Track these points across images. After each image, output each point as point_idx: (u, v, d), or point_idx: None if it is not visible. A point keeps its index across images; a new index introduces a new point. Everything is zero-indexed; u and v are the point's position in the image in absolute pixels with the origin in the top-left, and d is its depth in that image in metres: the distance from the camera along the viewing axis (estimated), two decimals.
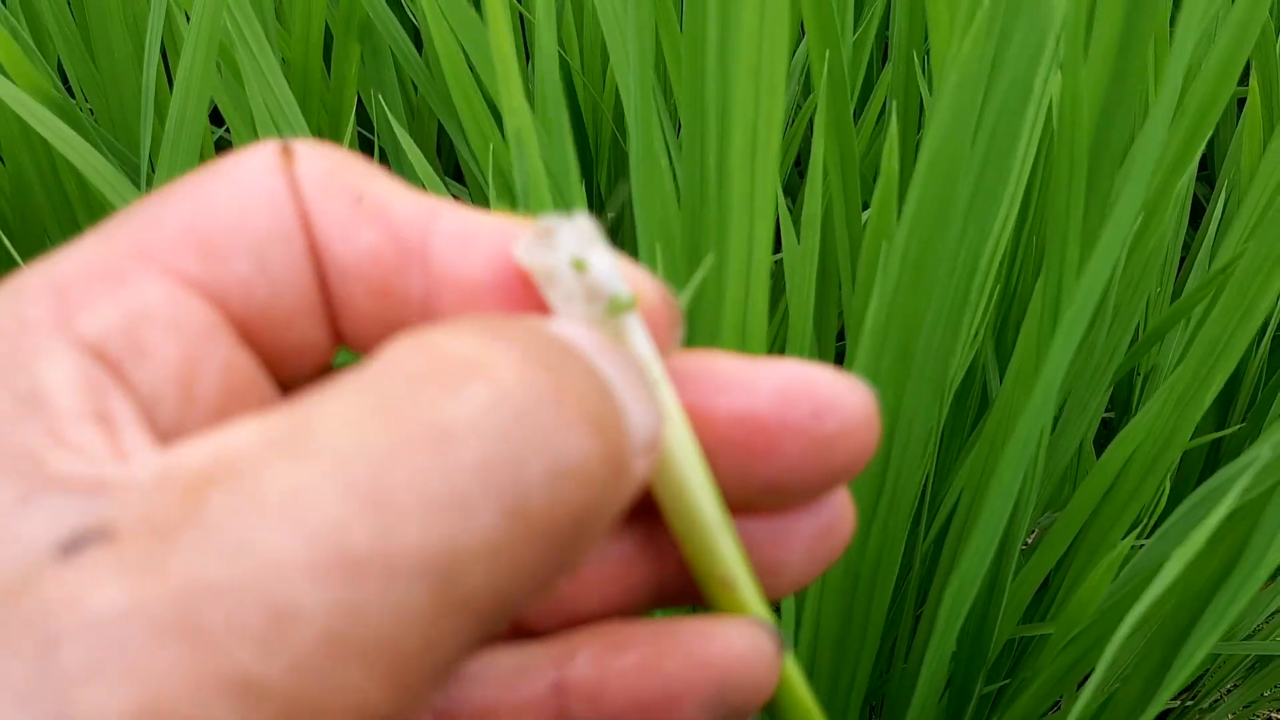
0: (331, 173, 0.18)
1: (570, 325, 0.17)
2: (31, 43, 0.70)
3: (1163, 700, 0.49)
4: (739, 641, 0.19)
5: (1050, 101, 0.55)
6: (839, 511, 0.20)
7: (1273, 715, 0.93)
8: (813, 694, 0.20)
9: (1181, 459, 0.80)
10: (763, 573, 0.20)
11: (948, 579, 0.52)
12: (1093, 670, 0.59)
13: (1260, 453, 0.49)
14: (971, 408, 0.68)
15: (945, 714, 0.63)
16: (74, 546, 0.13)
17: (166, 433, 0.16)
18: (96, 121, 0.76)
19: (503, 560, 0.14)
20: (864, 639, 0.54)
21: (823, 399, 0.18)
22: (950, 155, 0.45)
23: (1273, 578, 0.71)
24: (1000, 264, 0.63)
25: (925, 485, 0.61)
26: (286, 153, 0.18)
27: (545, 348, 0.15)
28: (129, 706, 0.12)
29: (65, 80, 0.92)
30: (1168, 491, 0.67)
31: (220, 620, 0.12)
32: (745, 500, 0.19)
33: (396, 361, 0.15)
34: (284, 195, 0.17)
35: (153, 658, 0.12)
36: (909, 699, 0.59)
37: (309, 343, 0.18)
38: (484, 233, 0.18)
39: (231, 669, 0.12)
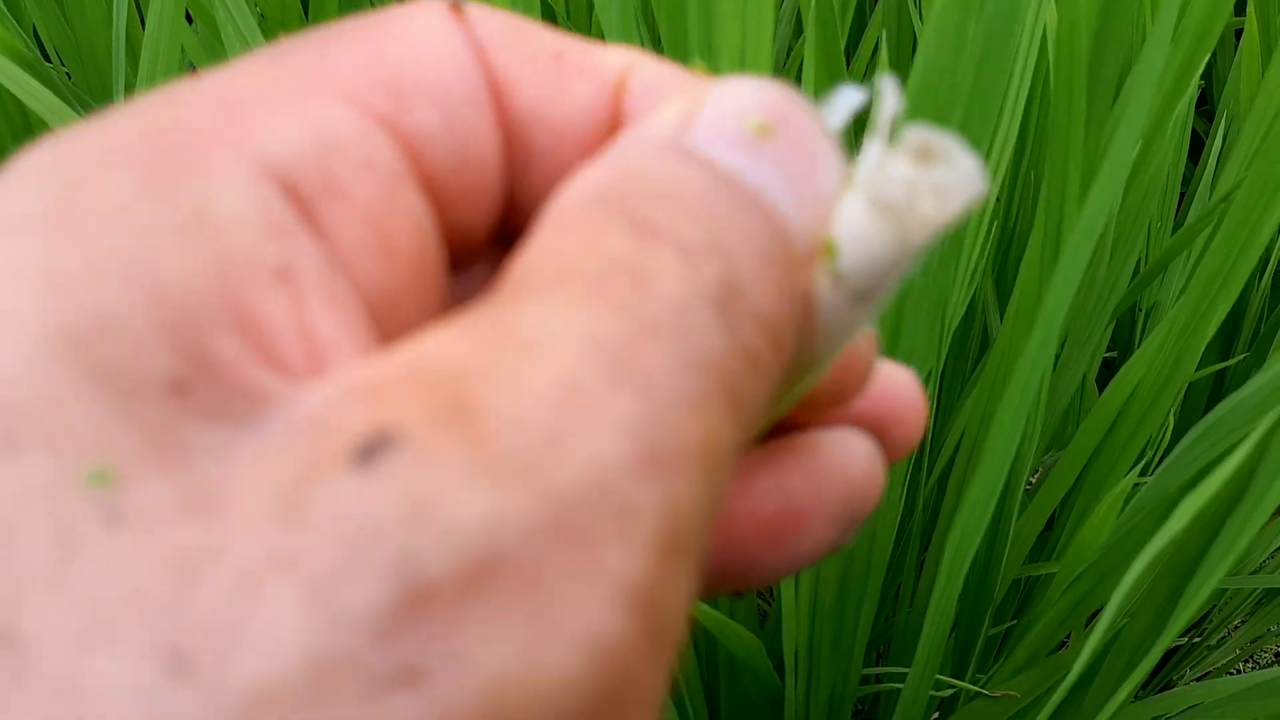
0: (517, 31, 0.16)
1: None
2: (3, 5, 0.69)
3: (1171, 635, 0.49)
4: (861, 449, 0.18)
5: (1045, 31, 0.54)
6: (872, 473, 0.19)
7: (1279, 650, 0.93)
8: None
9: (1186, 393, 0.79)
10: (793, 520, 0.18)
11: (951, 521, 0.51)
12: (1100, 608, 0.58)
13: (1264, 381, 0.48)
14: (972, 348, 0.68)
15: (952, 656, 0.62)
16: (370, 452, 0.11)
17: (368, 297, 0.13)
18: (71, 82, 0.75)
19: (729, 454, 0.13)
20: (866, 583, 0.54)
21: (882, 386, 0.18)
22: (937, 84, 0.44)
23: (1278, 511, 0.71)
24: (998, 199, 0.62)
25: (927, 425, 0.60)
26: (457, 10, 0.15)
27: (713, 190, 0.13)
28: (528, 619, 0.11)
29: (40, 45, 0.91)
30: (1172, 426, 0.67)
31: (585, 517, 0.11)
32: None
33: (591, 241, 0.13)
34: (466, 54, 0.15)
35: (538, 563, 0.11)
36: (915, 642, 0.58)
37: (478, 218, 0.16)
38: (680, 84, 0.16)
39: (612, 570, 0.11)
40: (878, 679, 0.66)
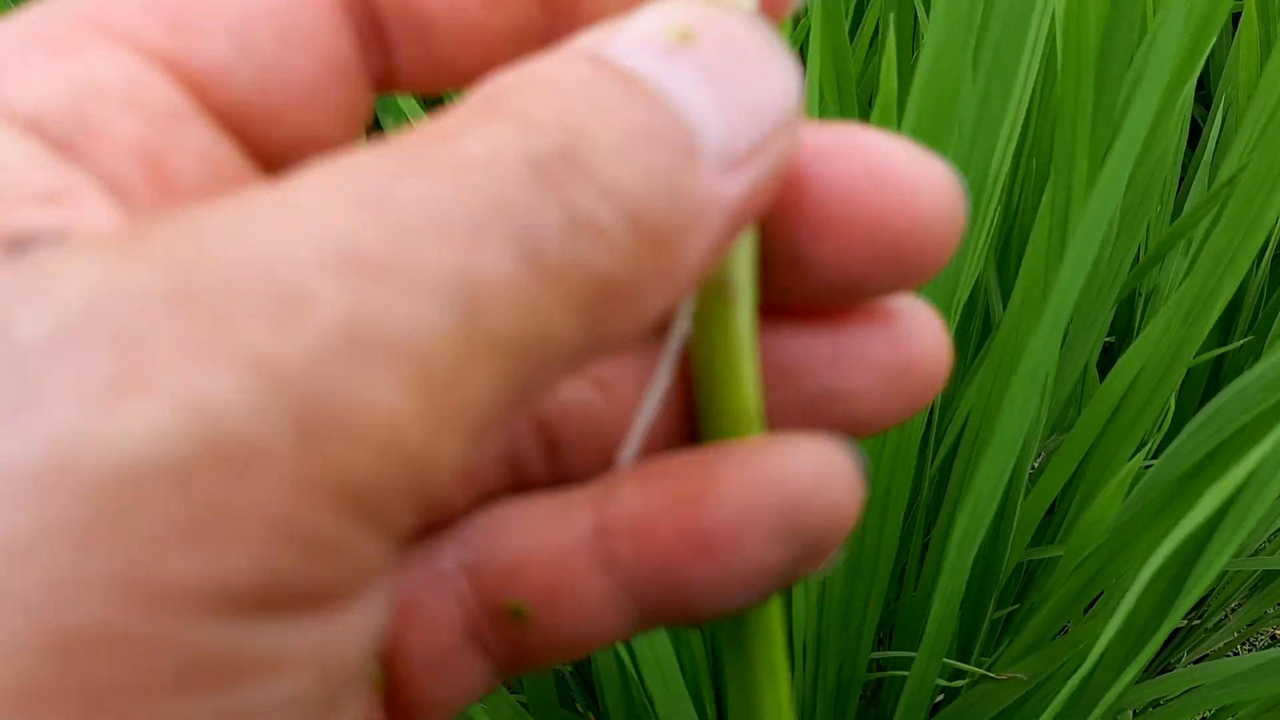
0: None
1: (636, 42, 0.14)
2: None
3: (1176, 618, 0.49)
4: (808, 455, 0.16)
5: (1053, 16, 0.54)
6: (917, 332, 0.17)
7: (1277, 632, 0.94)
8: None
9: (1186, 377, 0.80)
10: (829, 405, 0.17)
11: (957, 504, 0.51)
12: (1101, 593, 0.59)
13: (1268, 367, 0.49)
14: (974, 331, 0.68)
15: (957, 639, 0.63)
16: (21, 245, 0.11)
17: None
18: None
19: (524, 306, 0.12)
20: (876, 565, 0.54)
21: (903, 173, 0.15)
22: (946, 71, 0.44)
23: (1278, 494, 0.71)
24: (1002, 185, 0.62)
25: (932, 409, 0.60)
26: None
27: (591, 81, 0.13)
28: (114, 377, 0.10)
29: None
30: (1173, 410, 0.67)
31: (223, 293, 0.11)
32: (785, 289, 0.16)
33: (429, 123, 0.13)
34: None
35: (142, 328, 0.11)
36: (919, 626, 0.59)
37: (311, 135, 0.15)
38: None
39: (241, 343, 0.11)
40: (881, 664, 0.67)
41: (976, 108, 0.43)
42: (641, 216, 0.13)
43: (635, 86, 0.13)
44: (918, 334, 0.17)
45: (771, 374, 0.17)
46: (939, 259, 0.16)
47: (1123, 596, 0.49)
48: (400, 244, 0.12)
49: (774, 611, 0.17)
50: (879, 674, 0.63)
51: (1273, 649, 0.91)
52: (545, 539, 0.16)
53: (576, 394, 0.17)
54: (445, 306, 0.12)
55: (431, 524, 0.17)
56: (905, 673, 0.58)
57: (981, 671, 0.60)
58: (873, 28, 0.79)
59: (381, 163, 0.12)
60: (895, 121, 0.54)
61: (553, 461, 0.18)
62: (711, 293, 0.16)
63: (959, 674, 0.63)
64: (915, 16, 0.74)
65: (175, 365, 0.11)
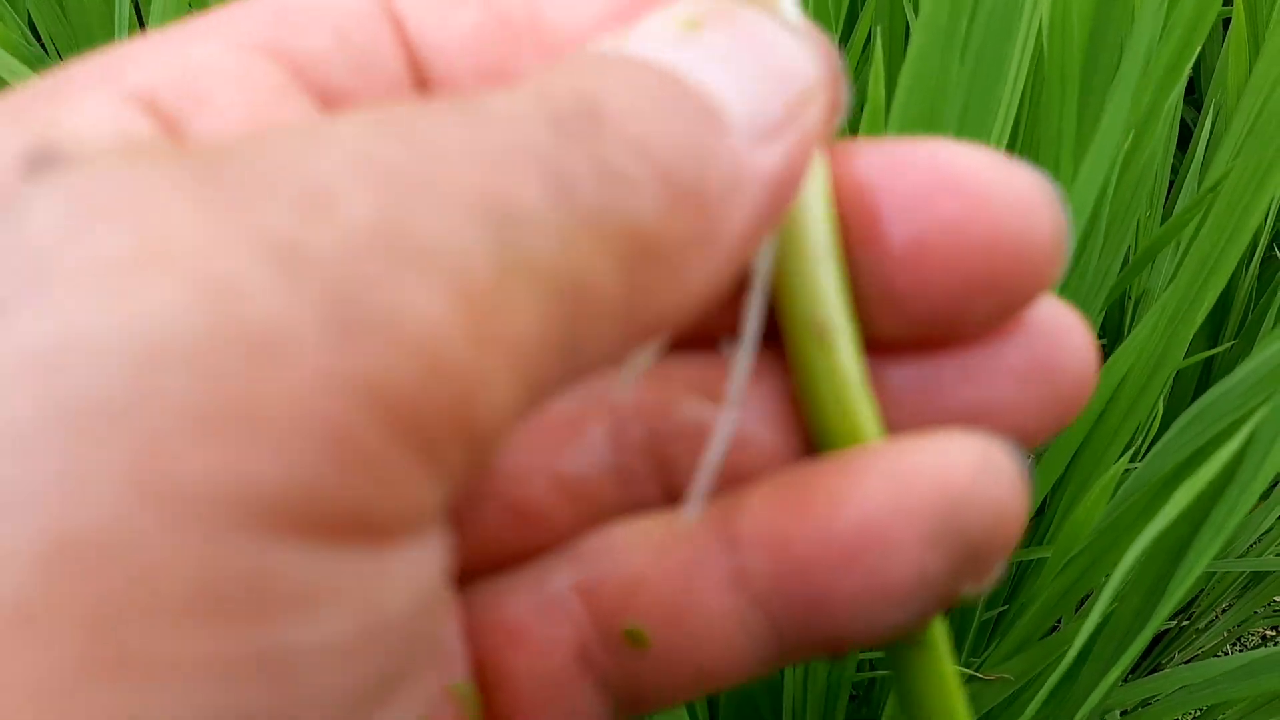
0: None
1: (646, 35, 0.14)
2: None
3: (1161, 618, 0.50)
4: (966, 449, 0.14)
5: (1040, 22, 0.54)
6: (1055, 330, 0.15)
7: (1266, 633, 0.94)
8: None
9: (1175, 379, 0.80)
10: (970, 419, 0.15)
11: None
12: (1091, 593, 0.59)
13: (1253, 368, 0.49)
14: None
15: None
16: (40, 163, 0.11)
17: None
18: None
19: (559, 240, 0.12)
20: None
21: (990, 189, 0.14)
22: (931, 77, 0.44)
23: (1265, 495, 0.72)
24: None
25: None
26: None
27: (604, 61, 0.13)
28: (130, 257, 0.10)
29: (36, 34, 0.90)
30: (1161, 413, 0.68)
31: (247, 183, 0.11)
32: (887, 327, 0.15)
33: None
34: None
35: (162, 210, 0.10)
36: None
37: None
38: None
39: (266, 226, 0.10)
40: (872, 665, 0.67)
41: (960, 116, 0.44)
42: (673, 175, 0.13)
43: (648, 66, 0.13)
44: (1055, 333, 0.15)
45: (900, 404, 0.15)
46: (1043, 279, 0.15)
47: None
48: (429, 164, 0.11)
49: (939, 637, 0.15)
50: (869, 674, 0.63)
51: (1261, 649, 0.92)
52: (667, 555, 0.15)
53: (688, 409, 0.16)
54: (477, 223, 0.11)
55: (538, 544, 0.16)
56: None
57: (970, 672, 0.60)
58: (864, 38, 0.80)
59: (411, 108, 0.12)
60: (884, 129, 0.55)
61: (666, 481, 0.16)
62: (809, 339, 0.15)
63: None
64: (906, 27, 0.74)
65: (195, 245, 0.10)
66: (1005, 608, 0.68)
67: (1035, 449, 0.80)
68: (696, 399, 0.16)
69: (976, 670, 0.61)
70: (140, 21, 0.78)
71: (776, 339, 0.16)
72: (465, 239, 0.11)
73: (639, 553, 0.15)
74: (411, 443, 0.11)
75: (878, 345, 0.15)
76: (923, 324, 0.15)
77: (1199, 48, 0.57)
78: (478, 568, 0.16)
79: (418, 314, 0.11)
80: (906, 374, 0.16)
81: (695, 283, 0.13)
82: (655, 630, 0.15)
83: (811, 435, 0.15)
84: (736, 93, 0.13)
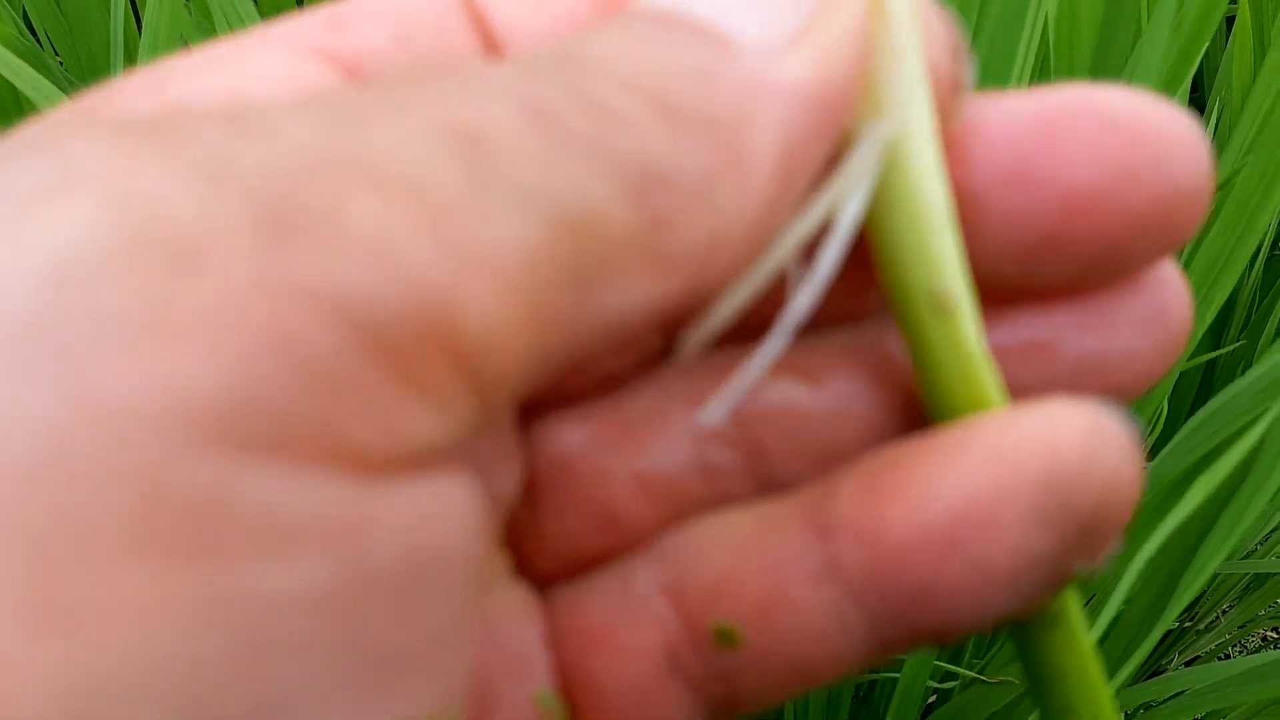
0: None
1: None
2: None
3: (1169, 620, 0.49)
4: (1075, 418, 0.13)
5: (1046, 21, 0.54)
6: (1160, 275, 0.15)
7: (1268, 634, 0.94)
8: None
9: (1179, 380, 0.80)
10: (1090, 378, 0.15)
11: None
12: (1093, 596, 0.59)
13: (1264, 371, 0.49)
14: None
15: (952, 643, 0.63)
16: None
17: None
18: (65, 68, 0.74)
19: (542, 162, 0.11)
20: None
21: (1150, 127, 0.14)
22: None
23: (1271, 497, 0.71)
24: None
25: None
26: None
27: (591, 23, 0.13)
28: (43, 184, 0.10)
29: (31, 28, 0.90)
30: (1165, 412, 0.67)
31: (176, 118, 0.11)
32: (1032, 274, 0.14)
33: None
34: None
35: (82, 145, 0.10)
36: None
37: None
38: None
39: (191, 148, 0.10)
40: (872, 667, 0.67)
41: None
42: (670, 103, 0.12)
43: (642, 13, 0.13)
44: (1164, 276, 0.15)
45: (1016, 360, 0.15)
46: (1195, 220, 0.14)
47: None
48: (387, 103, 0.11)
49: (1072, 612, 0.14)
50: (871, 676, 0.63)
51: (1263, 653, 0.92)
52: (756, 548, 0.14)
53: (779, 391, 0.16)
54: (436, 142, 0.11)
55: (621, 546, 0.16)
56: (896, 674, 0.58)
57: (973, 674, 0.60)
58: None
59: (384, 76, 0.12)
60: None
61: (757, 471, 0.16)
62: (926, 310, 0.14)
63: (950, 676, 0.63)
64: None
65: (114, 169, 0.10)
66: None
67: None
68: (787, 380, 0.16)
69: (979, 673, 0.61)
70: (136, 16, 0.78)
71: (869, 311, 0.15)
72: (421, 154, 0.11)
73: (726, 548, 0.15)
74: (386, 359, 0.10)
75: (997, 299, 0.15)
76: (1080, 272, 0.14)
77: (1204, 48, 0.56)
78: (559, 573, 0.16)
79: (365, 216, 0.10)
80: (1024, 328, 0.15)
81: (730, 212, 0.12)
82: (746, 628, 0.14)
83: (930, 411, 0.15)
84: (743, 12, 0.13)
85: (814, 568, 0.14)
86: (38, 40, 0.83)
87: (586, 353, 0.12)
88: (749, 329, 0.15)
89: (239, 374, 0.09)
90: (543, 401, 0.16)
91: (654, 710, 0.15)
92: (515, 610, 0.16)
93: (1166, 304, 0.15)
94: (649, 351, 0.16)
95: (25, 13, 0.81)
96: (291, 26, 0.15)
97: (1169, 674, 0.68)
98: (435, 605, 0.11)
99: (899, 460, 0.14)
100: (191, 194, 0.10)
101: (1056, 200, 0.14)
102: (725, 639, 0.14)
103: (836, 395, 0.15)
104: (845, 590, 0.14)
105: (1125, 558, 0.52)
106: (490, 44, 0.15)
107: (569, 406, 0.16)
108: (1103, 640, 0.54)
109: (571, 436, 0.16)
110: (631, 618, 0.15)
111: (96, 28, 0.71)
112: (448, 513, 0.11)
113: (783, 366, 0.15)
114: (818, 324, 0.15)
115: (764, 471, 0.16)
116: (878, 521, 0.13)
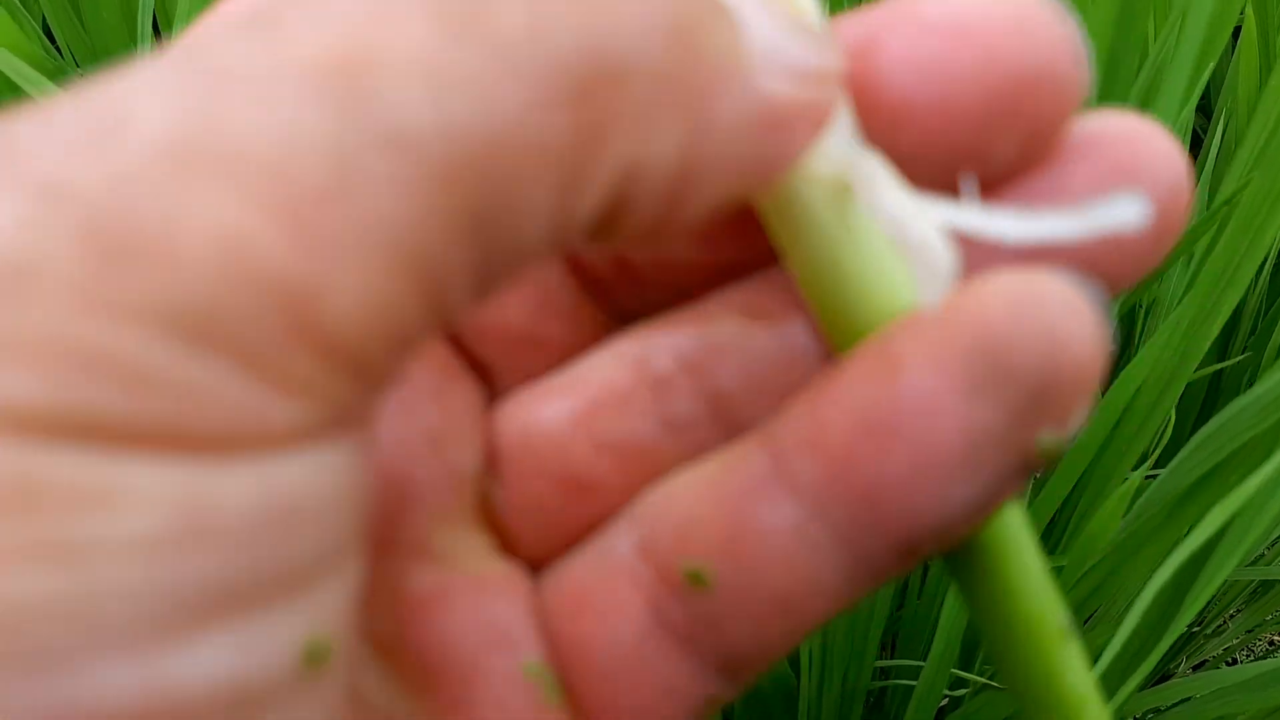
0: None
1: None
2: (18, 3, 0.69)
3: (1180, 627, 0.50)
4: (1002, 284, 0.12)
5: None
6: (1131, 141, 0.14)
7: (1274, 639, 0.95)
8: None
9: (1185, 391, 0.80)
10: (1056, 257, 0.14)
11: None
12: (1100, 606, 0.59)
13: (1275, 382, 0.50)
14: None
15: (963, 649, 0.63)
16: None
17: None
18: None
19: (473, 77, 0.10)
20: None
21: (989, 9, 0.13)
22: None
23: None
24: None
25: None
26: None
27: None
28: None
29: (54, 42, 0.90)
30: (1173, 422, 0.68)
31: (25, 134, 0.10)
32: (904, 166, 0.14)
33: None
34: None
35: None
36: (924, 635, 0.59)
37: None
38: None
39: (28, 171, 0.10)
40: (885, 673, 0.67)
41: None
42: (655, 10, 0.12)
43: None
44: (1123, 140, 0.14)
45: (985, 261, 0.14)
46: (1066, 102, 0.13)
47: (1123, 608, 0.49)
48: (255, 40, 0.11)
49: (1013, 525, 0.14)
50: (884, 682, 0.64)
51: (1270, 659, 0.92)
52: (717, 487, 0.14)
53: (728, 330, 0.15)
54: (304, 98, 0.10)
55: (598, 514, 0.16)
56: (910, 681, 0.59)
57: (984, 680, 0.60)
58: None
59: None
60: None
61: (723, 420, 0.15)
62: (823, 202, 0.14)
63: (960, 682, 0.63)
64: None
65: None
66: None
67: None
68: (739, 318, 0.15)
69: (989, 679, 0.62)
70: (157, 32, 0.79)
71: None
72: (288, 126, 0.10)
73: (689, 494, 0.15)
74: (231, 359, 0.10)
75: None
76: (943, 160, 0.14)
77: (1213, 63, 0.57)
78: (547, 551, 0.16)
79: (210, 218, 0.10)
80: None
81: (667, 142, 0.12)
82: (715, 566, 0.14)
83: (856, 323, 0.14)
84: (763, 25, 0.13)
85: (773, 489, 0.14)
86: (60, 56, 0.83)
87: (498, 286, 0.12)
88: (683, 292, 0.15)
89: (69, 390, 0.10)
90: (500, 379, 0.17)
91: (648, 671, 0.15)
92: (500, 587, 0.16)
93: (1123, 165, 0.14)
94: (586, 321, 0.16)
95: (47, 27, 0.82)
96: None
97: (1176, 680, 0.68)
98: (291, 552, 0.11)
99: (836, 370, 0.14)
100: (28, 217, 0.10)
101: (894, 95, 0.14)
102: (696, 580, 0.14)
103: (792, 332, 0.15)
104: (804, 507, 0.13)
105: (1131, 569, 0.53)
106: None
107: (526, 382, 0.17)
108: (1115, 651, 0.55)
109: (530, 411, 0.16)
110: (611, 580, 0.15)
111: (119, 44, 0.72)
112: (314, 478, 0.11)
113: (733, 305, 0.15)
114: (765, 264, 0.15)
115: (730, 419, 0.15)
116: (818, 429, 0.13)
